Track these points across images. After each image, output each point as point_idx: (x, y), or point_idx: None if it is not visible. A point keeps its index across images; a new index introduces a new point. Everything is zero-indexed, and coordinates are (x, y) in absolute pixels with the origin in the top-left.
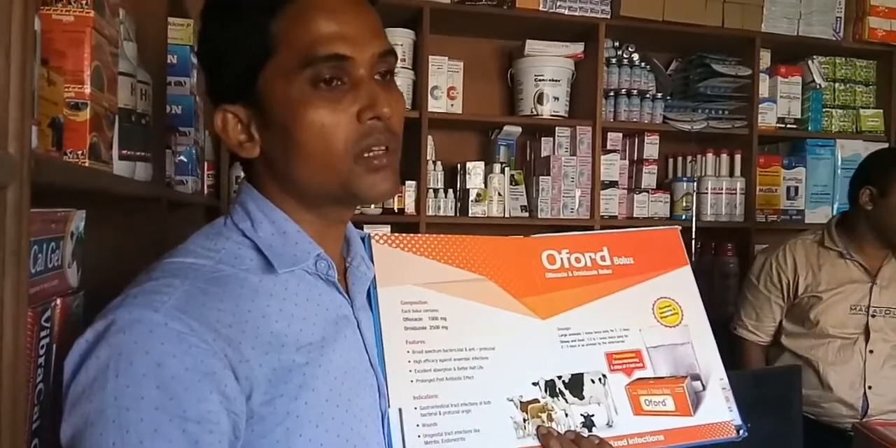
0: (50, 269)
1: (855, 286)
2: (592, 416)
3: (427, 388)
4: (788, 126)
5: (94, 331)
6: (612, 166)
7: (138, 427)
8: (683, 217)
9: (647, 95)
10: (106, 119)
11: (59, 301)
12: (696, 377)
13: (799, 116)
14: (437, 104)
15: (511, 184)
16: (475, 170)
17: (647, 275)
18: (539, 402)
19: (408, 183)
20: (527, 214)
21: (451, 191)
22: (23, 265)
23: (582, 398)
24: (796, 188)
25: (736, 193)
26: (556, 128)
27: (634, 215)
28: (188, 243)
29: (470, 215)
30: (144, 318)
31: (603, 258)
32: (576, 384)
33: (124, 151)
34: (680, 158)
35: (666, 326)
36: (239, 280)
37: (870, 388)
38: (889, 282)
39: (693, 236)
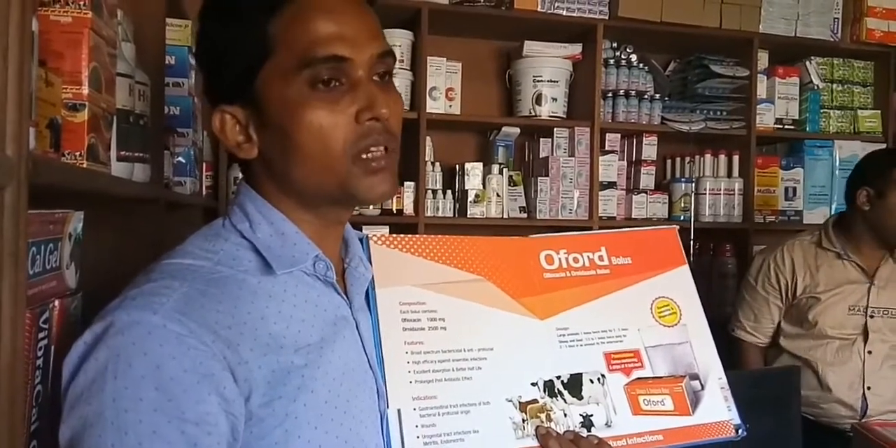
0: (48, 270)
1: (853, 287)
2: (591, 416)
3: (426, 388)
4: (786, 127)
5: (92, 333)
6: (611, 167)
7: (137, 429)
8: (682, 218)
9: (646, 96)
10: (104, 120)
11: (57, 302)
12: (695, 376)
13: (797, 117)
14: (436, 105)
15: (509, 185)
16: (474, 171)
17: (646, 274)
18: (538, 402)
19: (406, 184)
20: (525, 215)
21: (449, 192)
22: (21, 266)
23: (581, 398)
24: (794, 189)
25: (734, 194)
26: (555, 129)
27: (633, 216)
28: (186, 245)
29: (468, 216)
30: (143, 320)
31: (601, 258)
32: (574, 384)
33: (122, 152)
34: (678, 159)
35: (664, 326)
36: (237, 281)
37: (868, 388)
38: (886, 282)
39: (691, 237)
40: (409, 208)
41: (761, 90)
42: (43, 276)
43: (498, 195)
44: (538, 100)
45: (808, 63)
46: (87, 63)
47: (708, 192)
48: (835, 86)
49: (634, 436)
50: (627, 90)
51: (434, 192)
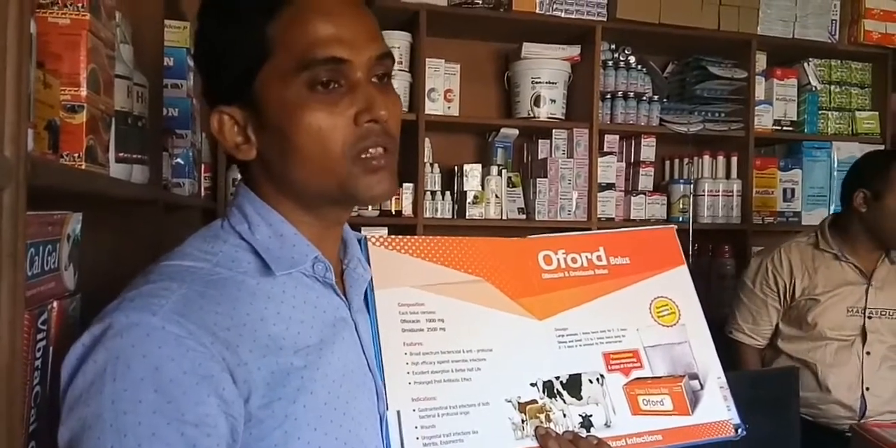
0: (46, 271)
1: (851, 288)
2: (590, 416)
3: (425, 389)
4: (784, 128)
5: (90, 335)
6: (609, 168)
7: (136, 431)
8: (680, 219)
9: (644, 98)
10: (102, 121)
11: (55, 304)
12: (694, 376)
13: (795, 119)
14: (434, 106)
15: (508, 186)
16: (472, 172)
17: (644, 274)
18: (537, 402)
19: (405, 185)
20: (524, 216)
21: (448, 193)
22: (19, 268)
23: (580, 398)
24: (793, 190)
25: (732, 195)
26: (553, 130)
27: (631, 217)
28: (185, 246)
29: (467, 217)
30: (142, 322)
31: (599, 258)
32: (573, 384)
33: (121, 154)
34: (676, 160)
35: (663, 326)
36: (236, 283)
37: (867, 389)
38: (883, 283)
39: (690, 238)
40: (407, 209)
41: (759, 92)
42: (41, 278)
43: (497, 196)
44: (537, 101)
45: (806, 65)
46: (85, 65)
47: (706, 193)
48: (833, 87)
49: (634, 436)
50: (626, 92)
51: (433, 193)
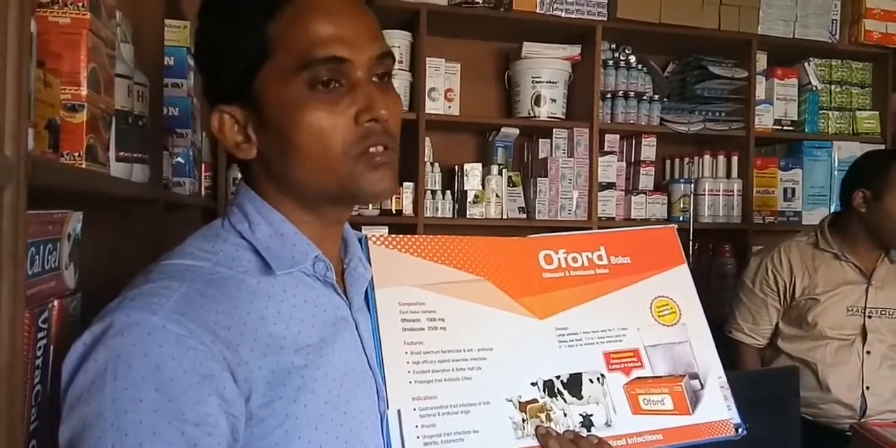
0: (47, 270)
1: (851, 287)
2: (591, 415)
3: (426, 389)
4: (785, 128)
5: (91, 334)
6: (610, 168)
7: (137, 429)
8: (681, 218)
9: (644, 97)
10: (103, 121)
11: (56, 302)
12: (695, 376)
13: (795, 118)
14: (435, 106)
15: (509, 185)
16: (473, 171)
17: (645, 274)
18: (538, 402)
19: (405, 184)
20: (524, 216)
21: (448, 192)
22: (20, 267)
23: (580, 398)
24: (793, 190)
25: (733, 195)
26: (554, 129)
27: (632, 217)
28: (185, 245)
29: (468, 217)
30: (142, 321)
31: (600, 258)
32: (574, 384)
33: (121, 153)
34: (677, 160)
35: (664, 325)
36: (237, 282)
37: (868, 388)
38: (883, 282)
39: (690, 238)
40: (408, 209)
41: (760, 91)
42: (42, 277)
43: (497, 196)
44: (537, 101)
45: (806, 64)
46: (85, 64)
47: (707, 192)
48: (833, 87)
49: (634, 435)
50: (626, 91)
51: (433, 192)
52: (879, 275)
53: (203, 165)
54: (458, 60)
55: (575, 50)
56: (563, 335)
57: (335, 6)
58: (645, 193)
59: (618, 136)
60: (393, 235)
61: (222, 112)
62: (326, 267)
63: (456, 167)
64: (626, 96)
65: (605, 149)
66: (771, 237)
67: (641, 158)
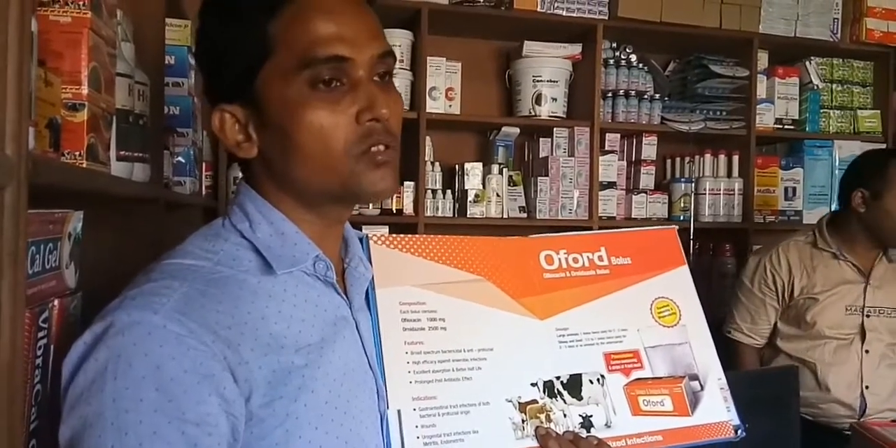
0: (47, 269)
1: (849, 287)
2: (591, 416)
3: (426, 389)
4: (786, 127)
5: (92, 333)
6: (611, 167)
7: (137, 429)
8: (681, 218)
9: (645, 96)
10: (103, 120)
11: (56, 302)
12: (695, 377)
13: (796, 117)
14: (436, 105)
15: (509, 184)
16: (473, 170)
17: (645, 275)
18: (537, 402)
19: (406, 183)
20: (525, 215)
21: (449, 191)
22: (20, 266)
23: (580, 399)
24: (794, 189)
25: (734, 194)
26: (555, 129)
27: (633, 216)
28: (186, 244)
29: (468, 216)
30: (143, 320)
31: (601, 258)
32: (574, 385)
33: (122, 152)
34: (678, 159)
35: (664, 326)
36: (237, 281)
37: (867, 387)
38: (881, 281)
39: (691, 237)
40: (408, 208)
41: (761, 90)
42: (42, 276)
43: (498, 195)
44: (538, 100)
45: (807, 63)
46: (86, 63)
47: (707, 192)
48: (834, 86)
49: (634, 436)
50: (627, 90)
51: (434, 191)
52: (878, 274)
53: (204, 165)
54: (459, 59)
55: (576, 49)
56: (564, 336)
57: (336, 5)
58: (646, 193)
59: (618, 136)
60: (394, 235)
61: (223, 111)
62: (327, 266)
63: (456, 166)
64: (626, 95)
65: (606, 148)
66: (772, 236)
67: (642, 157)
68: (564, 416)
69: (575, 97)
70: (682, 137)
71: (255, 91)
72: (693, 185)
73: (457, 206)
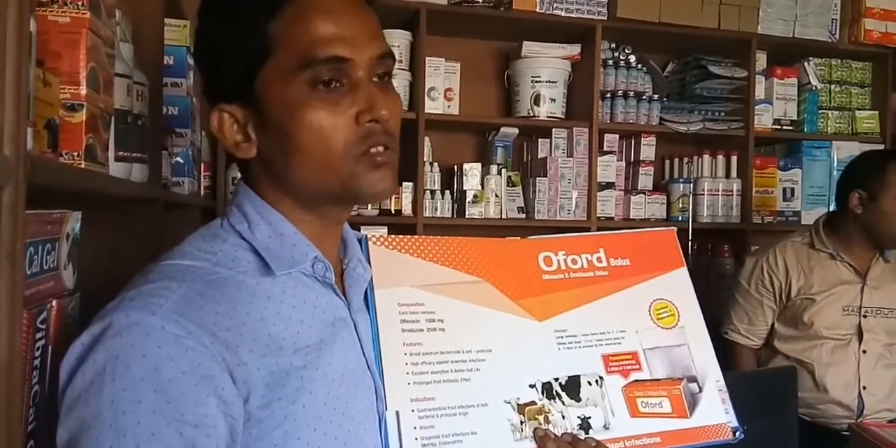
0: (45, 270)
1: (846, 287)
2: (589, 418)
3: (424, 390)
4: (784, 127)
5: (90, 334)
6: (609, 168)
7: (135, 431)
8: (680, 218)
9: (644, 97)
10: (102, 120)
11: (54, 303)
12: (693, 379)
13: (795, 118)
14: (434, 105)
15: (508, 185)
16: (472, 171)
17: (644, 276)
18: (536, 404)
19: (405, 184)
20: (524, 216)
21: (447, 192)
22: (18, 267)
23: (579, 400)
24: (792, 189)
25: (732, 195)
26: (553, 129)
27: (631, 217)
28: (184, 245)
29: (467, 216)
30: (141, 322)
31: (599, 260)
32: (572, 386)
33: (120, 153)
34: (676, 160)
35: (662, 328)
36: (236, 282)
37: (864, 388)
38: (878, 282)
39: (689, 237)
40: (407, 208)
41: (759, 91)
42: (40, 277)
43: (496, 195)
44: (536, 100)
45: (806, 64)
46: (85, 63)
47: (706, 192)
48: (833, 86)
49: (632, 438)
50: (626, 91)
51: (432, 192)
52: (874, 274)
53: (202, 165)
54: (458, 60)
55: (574, 49)
56: (562, 337)
57: (337, 5)
58: (644, 193)
59: (617, 136)
60: (393, 236)
61: (222, 111)
62: (325, 267)
63: (455, 167)
64: (625, 96)
65: (605, 148)
66: (770, 237)
67: (641, 158)
68: (563, 417)
69: (573, 98)
70: (680, 138)
71: (255, 91)
72: (691, 185)
73: (455, 206)
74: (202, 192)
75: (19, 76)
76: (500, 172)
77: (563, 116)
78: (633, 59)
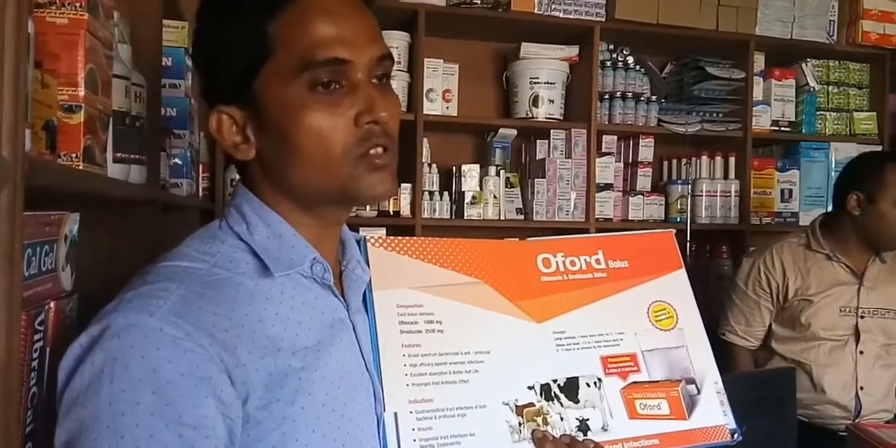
0: (44, 272)
1: (843, 288)
2: (587, 419)
3: (423, 391)
4: (782, 129)
5: (88, 335)
6: (607, 169)
7: (134, 432)
8: (678, 219)
9: (642, 98)
10: (100, 122)
11: (52, 304)
12: (691, 381)
13: (793, 119)
14: (433, 107)
15: (506, 186)
16: (470, 172)
17: (642, 278)
18: (534, 405)
19: (403, 185)
20: (522, 217)
21: (446, 193)
22: (16, 268)
23: (577, 402)
24: (790, 191)
25: (730, 196)
26: (552, 130)
27: (629, 218)
28: (183, 247)
29: (465, 218)
30: (140, 323)
31: (598, 261)
32: (571, 388)
33: (118, 154)
34: (674, 161)
35: (661, 330)
36: (234, 284)
37: (861, 388)
38: (875, 282)
39: (688, 239)
40: (405, 210)
41: (757, 92)
42: (38, 278)
43: (495, 197)
44: (535, 101)
45: (803, 65)
46: (83, 65)
47: (704, 193)
48: (831, 88)
49: (631, 440)
50: (624, 92)
51: (431, 193)
52: (871, 275)
53: (201, 166)
54: (457, 61)
55: (573, 50)
56: (561, 339)
57: (336, 6)
58: (642, 194)
59: (615, 137)
60: (392, 237)
61: (221, 112)
62: (324, 269)
63: (454, 168)
64: (623, 97)
65: (603, 150)
66: (768, 238)
67: (639, 159)
68: (561, 419)
69: (572, 99)
70: (678, 139)
71: (254, 92)
72: (690, 186)
73: (454, 207)
74: (200, 194)
75: (17, 77)
76: (498, 173)
77: (561, 118)
78: (631, 60)
